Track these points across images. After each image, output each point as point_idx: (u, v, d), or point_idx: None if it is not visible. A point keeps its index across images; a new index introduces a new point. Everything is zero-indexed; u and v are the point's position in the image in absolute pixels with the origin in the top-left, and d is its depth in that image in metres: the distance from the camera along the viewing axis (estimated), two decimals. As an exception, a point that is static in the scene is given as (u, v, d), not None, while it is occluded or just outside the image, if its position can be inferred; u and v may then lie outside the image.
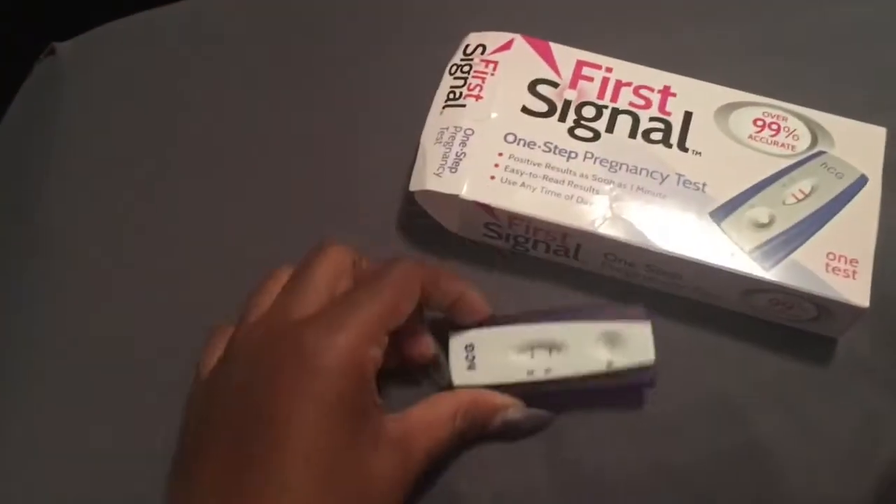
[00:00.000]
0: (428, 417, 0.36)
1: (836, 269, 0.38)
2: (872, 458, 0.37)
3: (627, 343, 0.38)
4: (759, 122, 0.42)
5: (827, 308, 0.38)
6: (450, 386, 0.38)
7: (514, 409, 0.38)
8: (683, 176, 0.40)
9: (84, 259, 0.45)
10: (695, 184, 0.40)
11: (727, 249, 0.38)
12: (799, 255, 0.38)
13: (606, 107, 0.42)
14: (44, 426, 0.41)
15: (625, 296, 0.41)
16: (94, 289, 0.44)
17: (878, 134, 0.41)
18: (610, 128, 0.42)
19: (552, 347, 0.39)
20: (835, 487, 0.37)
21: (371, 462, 0.33)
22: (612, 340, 0.38)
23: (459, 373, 0.39)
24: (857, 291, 0.37)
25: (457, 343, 0.39)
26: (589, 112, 0.42)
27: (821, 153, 0.41)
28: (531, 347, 0.39)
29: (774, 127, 0.41)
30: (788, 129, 0.41)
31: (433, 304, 0.37)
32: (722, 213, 0.39)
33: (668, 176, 0.40)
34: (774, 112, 0.42)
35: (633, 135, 0.41)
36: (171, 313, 0.43)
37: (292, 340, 0.33)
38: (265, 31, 0.51)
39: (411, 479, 0.34)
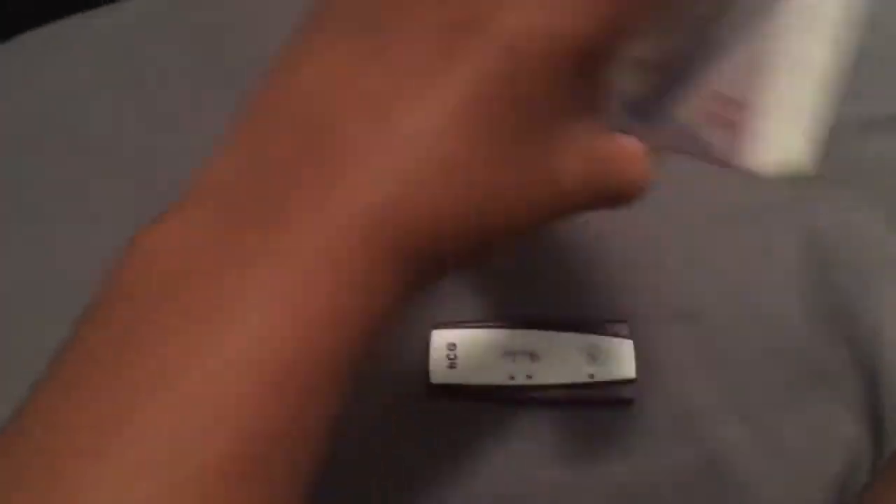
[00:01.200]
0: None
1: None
2: (825, 465, 0.38)
3: (610, 358, 0.38)
4: None
5: None
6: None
7: None
8: None
9: None
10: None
11: None
12: None
13: None
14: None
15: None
16: None
17: None
18: None
19: (535, 355, 0.38)
20: (791, 497, 0.37)
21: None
22: (594, 354, 0.38)
23: (438, 371, 0.37)
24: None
25: (439, 340, 0.38)
26: None
27: None
28: (514, 353, 0.38)
29: None
30: None
31: None
32: None
33: None
34: None
35: None
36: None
37: None
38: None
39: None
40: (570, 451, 0.37)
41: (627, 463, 0.37)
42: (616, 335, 0.39)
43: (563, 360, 0.38)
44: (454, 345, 0.38)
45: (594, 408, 0.38)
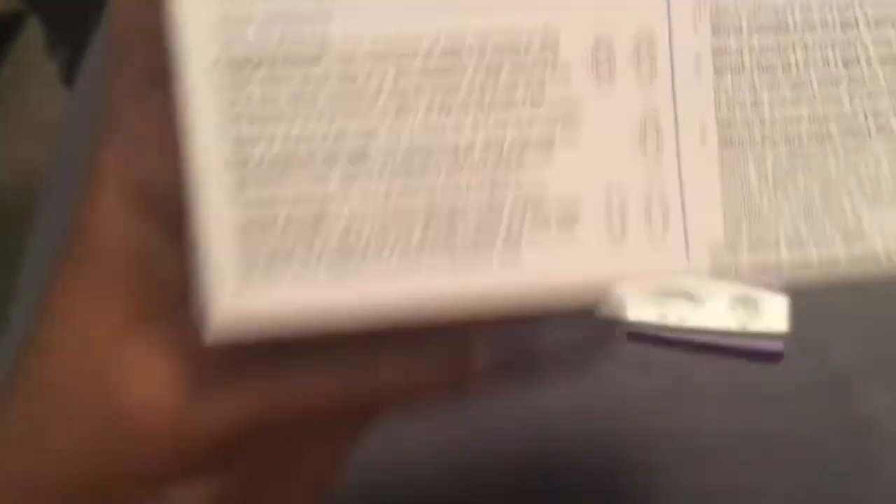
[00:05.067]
0: None
1: None
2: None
3: (763, 310, 0.38)
4: None
5: None
6: None
7: None
8: None
9: None
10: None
11: None
12: None
13: None
14: None
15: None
16: None
17: None
18: None
19: (688, 297, 0.38)
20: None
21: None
22: (748, 304, 0.38)
23: (591, 303, 0.38)
24: None
25: (593, 274, 0.38)
26: None
27: None
28: (667, 294, 0.38)
29: None
30: None
31: None
32: None
33: None
34: None
35: None
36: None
37: None
38: None
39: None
40: (714, 398, 0.37)
41: (771, 416, 0.37)
42: (772, 288, 0.38)
43: (716, 306, 0.38)
44: (608, 280, 0.38)
45: (743, 357, 0.38)
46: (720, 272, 0.24)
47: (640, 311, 0.38)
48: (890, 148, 0.19)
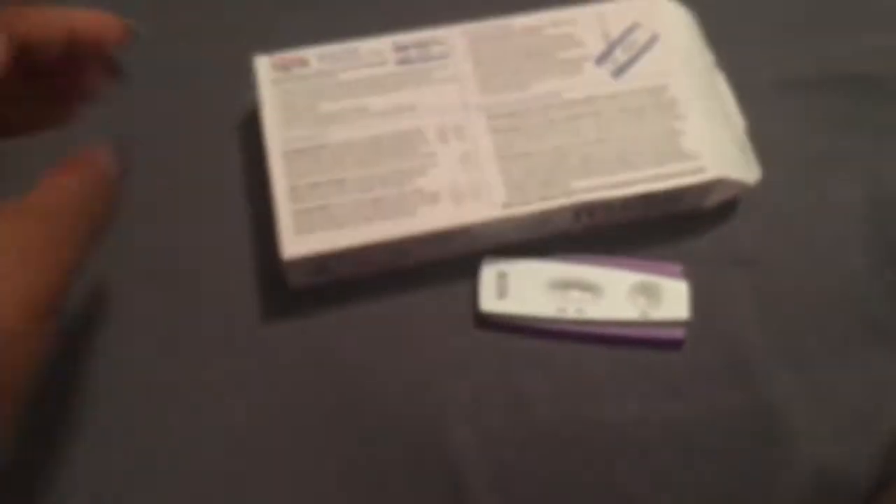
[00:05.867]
0: None
1: None
2: (878, 422, 0.37)
3: (663, 297, 0.37)
4: None
5: None
6: None
7: None
8: None
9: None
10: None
11: None
12: None
13: None
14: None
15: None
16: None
17: None
18: None
19: (587, 289, 0.37)
20: (838, 450, 0.36)
21: None
22: (647, 292, 0.37)
23: (488, 299, 0.37)
24: None
25: (489, 270, 0.37)
26: None
27: None
28: (565, 286, 0.37)
29: None
30: None
31: (39, 50, 0.29)
32: None
33: None
34: None
35: None
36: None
37: None
38: None
39: None
40: (617, 388, 0.37)
41: (675, 404, 0.37)
42: (671, 275, 0.38)
43: (615, 296, 0.37)
44: (505, 274, 0.37)
45: (644, 346, 0.37)
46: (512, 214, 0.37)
47: (537, 304, 0.38)
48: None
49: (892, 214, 0.41)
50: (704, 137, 0.38)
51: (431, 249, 0.37)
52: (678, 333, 0.37)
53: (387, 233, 0.36)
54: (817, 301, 0.39)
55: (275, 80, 0.39)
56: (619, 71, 0.39)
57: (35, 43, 0.29)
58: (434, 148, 0.37)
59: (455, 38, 0.40)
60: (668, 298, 0.37)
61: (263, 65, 0.39)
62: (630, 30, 0.40)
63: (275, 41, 0.40)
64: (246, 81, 0.39)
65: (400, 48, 0.40)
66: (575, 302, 0.37)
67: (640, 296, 0.37)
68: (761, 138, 0.41)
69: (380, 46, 0.40)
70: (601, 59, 0.39)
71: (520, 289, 0.37)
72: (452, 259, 0.38)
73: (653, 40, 0.40)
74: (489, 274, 0.37)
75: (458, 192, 0.37)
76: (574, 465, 0.36)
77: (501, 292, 0.37)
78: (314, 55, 0.39)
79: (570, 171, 0.37)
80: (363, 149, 0.37)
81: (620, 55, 0.40)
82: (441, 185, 0.37)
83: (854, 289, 0.39)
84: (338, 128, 0.38)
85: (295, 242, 0.36)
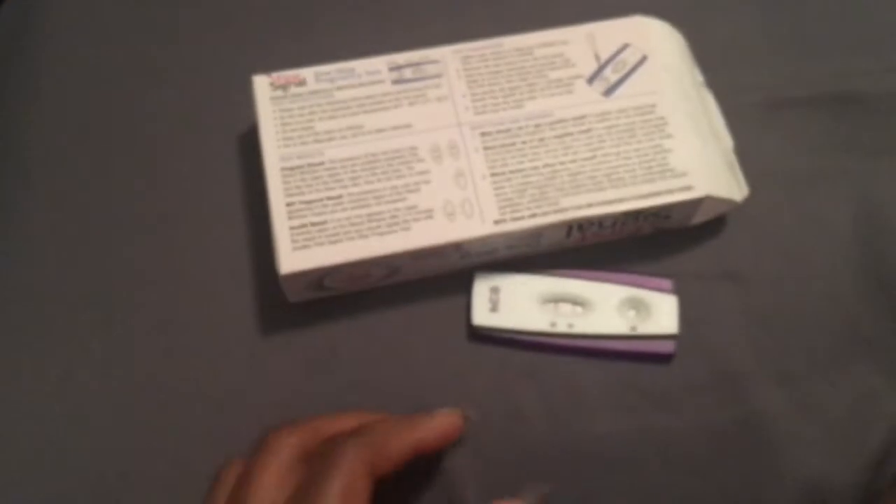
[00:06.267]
0: None
1: None
2: (865, 436, 0.38)
3: (652, 311, 0.38)
4: None
5: None
6: None
7: None
8: None
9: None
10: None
11: None
12: None
13: None
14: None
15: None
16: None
17: None
18: None
19: (577, 303, 0.38)
20: (826, 464, 0.37)
21: None
22: (637, 306, 0.38)
23: (481, 313, 0.38)
24: None
25: (482, 284, 0.38)
26: None
27: None
28: (556, 300, 0.38)
29: None
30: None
31: (393, 470, 0.32)
32: None
33: None
34: None
35: None
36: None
37: None
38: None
39: None
40: (607, 401, 0.37)
41: (665, 417, 0.37)
42: (660, 290, 0.38)
43: (605, 310, 0.38)
44: (497, 288, 0.38)
45: (634, 360, 0.38)
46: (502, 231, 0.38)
47: (529, 318, 0.38)
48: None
49: (878, 231, 0.41)
50: (693, 156, 0.39)
51: (425, 265, 0.38)
52: (668, 347, 0.38)
53: (382, 249, 0.37)
54: (805, 316, 0.40)
55: (273, 98, 0.40)
56: (610, 90, 0.40)
57: (384, 465, 0.32)
58: (428, 165, 0.38)
59: (449, 58, 0.41)
60: (658, 313, 0.38)
61: (262, 83, 0.40)
62: (620, 49, 0.41)
63: (273, 61, 0.41)
64: (245, 100, 0.40)
65: (395, 68, 0.41)
66: (566, 316, 0.38)
67: (630, 310, 0.38)
68: (749, 157, 0.42)
69: (375, 66, 0.41)
70: (592, 78, 0.40)
71: (512, 303, 0.38)
72: (446, 274, 0.39)
73: (642, 60, 0.41)
74: (481, 288, 0.38)
75: (451, 208, 0.37)
76: (565, 477, 0.36)
77: (494, 306, 0.38)
78: (311, 74, 0.40)
79: (561, 189, 0.38)
80: (359, 166, 0.38)
81: (611, 74, 0.40)
82: (435, 202, 0.37)
83: (841, 304, 0.40)
84: (334, 145, 0.39)
85: (291, 258, 0.36)
